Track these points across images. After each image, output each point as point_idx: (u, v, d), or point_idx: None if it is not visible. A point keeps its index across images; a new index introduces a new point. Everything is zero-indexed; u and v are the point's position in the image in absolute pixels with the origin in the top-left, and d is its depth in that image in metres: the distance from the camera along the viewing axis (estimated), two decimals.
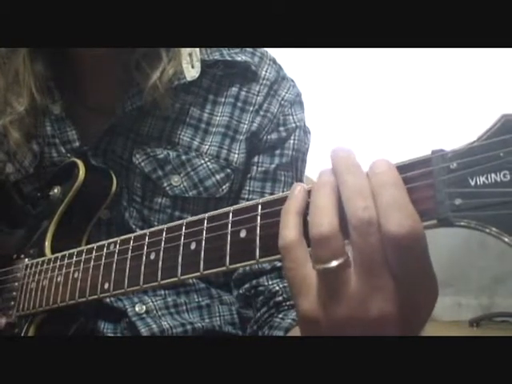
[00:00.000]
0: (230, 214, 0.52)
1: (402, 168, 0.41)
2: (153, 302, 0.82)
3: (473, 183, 0.38)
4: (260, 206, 0.50)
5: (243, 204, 0.52)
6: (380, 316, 0.41)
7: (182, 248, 0.55)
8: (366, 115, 2.31)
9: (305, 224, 0.44)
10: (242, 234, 0.50)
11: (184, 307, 0.83)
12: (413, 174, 0.41)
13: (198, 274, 0.53)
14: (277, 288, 0.79)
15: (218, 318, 0.84)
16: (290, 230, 0.44)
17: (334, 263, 0.41)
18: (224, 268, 0.51)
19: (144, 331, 0.79)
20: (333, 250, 0.41)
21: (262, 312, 0.79)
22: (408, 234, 0.38)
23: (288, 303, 0.77)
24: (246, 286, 0.83)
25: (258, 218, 0.49)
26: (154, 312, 0.81)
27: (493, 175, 0.37)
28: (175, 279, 0.55)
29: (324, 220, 0.41)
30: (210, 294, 0.86)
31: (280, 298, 0.77)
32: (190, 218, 0.56)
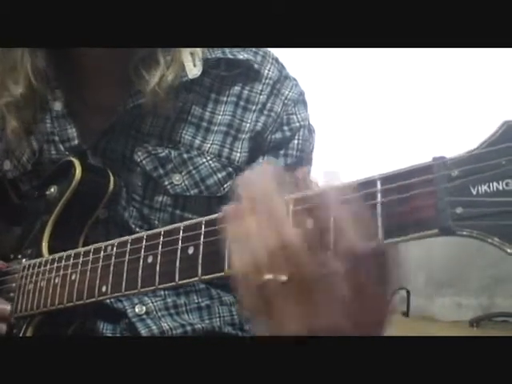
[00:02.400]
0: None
1: (403, 175, 0.41)
2: (153, 302, 0.81)
3: (474, 192, 0.37)
4: None
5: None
6: (325, 328, 0.43)
7: (179, 252, 0.54)
8: (369, 115, 2.30)
9: None
10: None
11: (184, 308, 0.83)
12: (414, 181, 0.40)
13: (197, 278, 0.53)
14: None
15: (217, 319, 0.84)
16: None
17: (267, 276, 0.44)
18: (222, 273, 0.50)
19: (144, 332, 0.78)
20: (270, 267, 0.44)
21: None
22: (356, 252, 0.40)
23: None
24: None
25: None
26: (154, 313, 0.81)
27: (495, 184, 0.37)
28: (173, 284, 0.55)
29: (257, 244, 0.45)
30: (210, 294, 0.85)
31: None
32: (188, 222, 0.55)
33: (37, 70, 0.79)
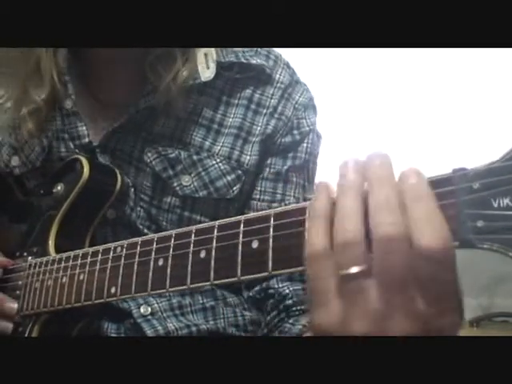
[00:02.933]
0: (242, 224, 0.51)
1: None
2: (158, 303, 0.81)
3: (496, 205, 0.37)
4: (272, 217, 0.49)
5: (254, 214, 0.51)
6: (399, 331, 0.40)
7: (191, 256, 0.54)
8: (377, 120, 2.27)
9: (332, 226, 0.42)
10: (254, 244, 0.49)
11: (189, 308, 0.83)
12: (434, 192, 0.40)
13: (208, 283, 0.52)
14: (287, 291, 0.78)
15: (222, 320, 0.84)
16: (319, 237, 0.42)
17: (355, 269, 0.40)
18: (235, 279, 0.50)
19: (150, 333, 0.78)
20: (356, 257, 0.40)
21: (273, 316, 0.79)
22: (441, 249, 0.38)
23: (298, 308, 0.77)
24: (256, 288, 0.82)
25: (271, 229, 0.48)
26: (159, 313, 0.81)
27: None
28: (184, 287, 0.54)
29: (349, 226, 0.41)
30: (215, 295, 0.85)
31: (290, 302, 0.77)
32: (200, 226, 0.55)
33: (59, 71, 0.79)
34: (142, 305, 0.80)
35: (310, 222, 0.44)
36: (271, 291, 0.81)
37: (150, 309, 0.80)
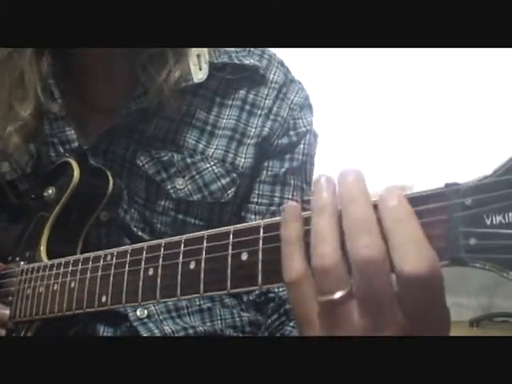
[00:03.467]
0: (231, 235, 0.50)
1: (414, 200, 0.39)
2: (154, 305, 0.80)
3: (488, 222, 0.36)
4: (262, 229, 0.47)
5: (244, 224, 0.50)
6: None
7: (180, 267, 0.53)
8: (373, 120, 2.25)
9: (307, 248, 0.42)
10: (244, 256, 0.48)
11: (185, 311, 0.82)
12: (425, 208, 0.38)
13: (198, 295, 0.51)
14: (287, 295, 0.78)
15: (219, 322, 0.83)
16: (295, 263, 0.41)
17: (338, 294, 0.39)
18: (225, 291, 0.49)
19: (146, 336, 0.77)
20: (336, 281, 0.39)
21: (273, 319, 0.79)
22: (424, 273, 0.37)
23: None
24: (256, 292, 0.82)
25: (261, 241, 0.47)
26: (156, 316, 0.80)
27: (510, 214, 0.35)
28: (174, 298, 0.54)
29: (326, 250, 0.39)
30: (212, 297, 0.85)
31: (290, 306, 0.77)
32: (189, 235, 0.54)
33: (44, 83, 0.77)
34: (138, 307, 0.80)
35: (283, 247, 0.43)
36: (271, 295, 0.80)
37: (146, 311, 0.80)
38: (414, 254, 0.37)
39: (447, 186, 0.38)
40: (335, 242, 0.39)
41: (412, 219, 0.38)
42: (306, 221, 0.42)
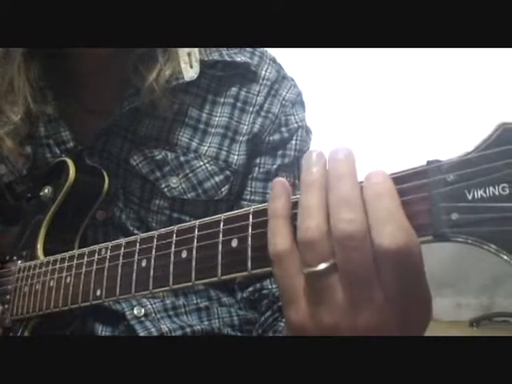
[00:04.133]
0: (221, 223, 0.50)
1: (397, 179, 0.39)
2: (151, 304, 0.81)
3: (470, 197, 0.36)
4: (251, 215, 0.48)
5: (234, 212, 0.50)
6: (366, 327, 0.41)
7: (172, 256, 0.53)
8: (365, 114, 2.28)
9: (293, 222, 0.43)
10: (234, 243, 0.49)
11: (183, 309, 0.82)
12: (408, 185, 0.39)
13: (190, 283, 0.52)
14: None
15: (216, 320, 0.83)
16: (280, 236, 0.42)
17: (322, 266, 0.40)
18: (216, 279, 0.50)
19: (143, 335, 0.78)
20: (320, 254, 0.40)
21: (267, 316, 0.79)
22: (401, 248, 0.37)
23: None
24: (250, 289, 0.82)
25: (250, 227, 0.48)
26: (153, 315, 0.80)
27: (491, 188, 0.36)
28: (167, 288, 0.54)
29: (311, 223, 0.40)
30: (209, 295, 0.85)
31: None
32: (181, 225, 0.54)
33: (34, 90, 0.78)
34: (135, 306, 0.80)
35: (270, 222, 0.43)
36: (265, 292, 0.80)
37: (143, 310, 0.80)
38: (391, 229, 0.37)
39: (429, 163, 0.39)
40: (321, 216, 0.40)
41: (391, 195, 0.38)
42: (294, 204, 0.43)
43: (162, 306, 0.81)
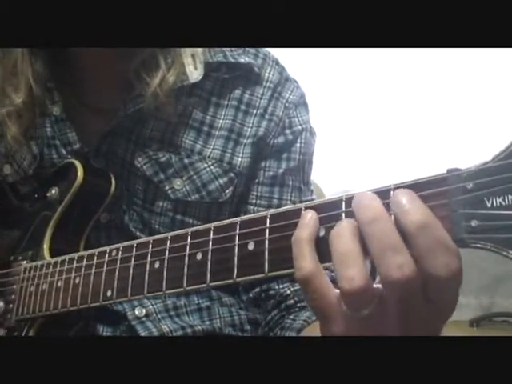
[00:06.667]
0: (238, 226, 0.51)
1: (417, 186, 0.41)
2: (152, 304, 0.81)
3: (489, 204, 0.38)
4: (268, 219, 0.49)
5: (251, 215, 0.51)
6: (413, 330, 0.42)
7: (187, 258, 0.54)
8: (371, 117, 2.27)
9: (317, 251, 0.44)
10: (250, 246, 0.49)
11: (184, 309, 0.83)
12: (428, 193, 0.40)
13: (204, 285, 0.53)
14: (288, 292, 0.79)
15: (218, 320, 0.84)
16: (306, 260, 0.43)
17: (365, 312, 0.41)
18: (231, 281, 0.50)
19: (144, 335, 0.78)
20: (365, 301, 0.41)
21: (274, 314, 0.79)
22: (456, 275, 0.39)
23: (299, 305, 0.77)
24: (256, 289, 0.82)
25: (267, 231, 0.49)
26: (154, 315, 0.80)
27: (510, 196, 0.37)
28: (180, 290, 0.55)
29: (354, 272, 0.40)
30: (210, 295, 0.85)
31: (291, 302, 0.78)
32: (195, 228, 0.55)
33: (37, 75, 0.79)
34: (136, 307, 0.80)
35: (293, 247, 0.45)
36: (272, 292, 0.81)
37: (144, 311, 0.80)
38: (443, 259, 0.38)
39: (449, 171, 0.40)
40: (361, 263, 0.40)
41: (435, 224, 0.39)
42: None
43: (163, 306, 0.82)
